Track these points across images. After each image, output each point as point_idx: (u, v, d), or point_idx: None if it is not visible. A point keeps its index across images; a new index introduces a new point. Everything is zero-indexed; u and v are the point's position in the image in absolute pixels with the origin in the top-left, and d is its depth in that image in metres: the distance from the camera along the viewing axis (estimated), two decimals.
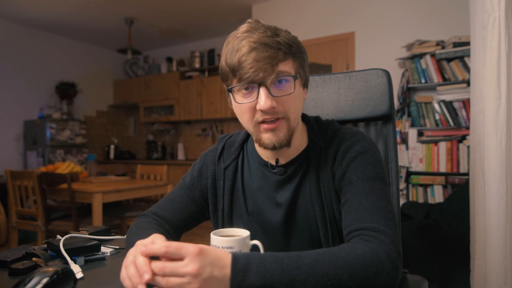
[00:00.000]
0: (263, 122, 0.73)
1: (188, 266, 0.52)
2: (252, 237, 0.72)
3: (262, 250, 0.68)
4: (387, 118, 1.06)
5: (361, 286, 0.57)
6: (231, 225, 0.88)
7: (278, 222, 0.82)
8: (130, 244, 0.69)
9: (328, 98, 1.12)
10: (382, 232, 0.65)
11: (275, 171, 0.82)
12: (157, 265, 0.53)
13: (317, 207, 0.78)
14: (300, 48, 0.77)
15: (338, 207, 0.77)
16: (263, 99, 0.70)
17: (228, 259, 0.55)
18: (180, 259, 0.53)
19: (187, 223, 0.89)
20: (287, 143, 0.75)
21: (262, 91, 0.71)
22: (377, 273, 0.58)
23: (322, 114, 1.12)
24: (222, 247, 0.65)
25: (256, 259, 0.56)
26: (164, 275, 0.52)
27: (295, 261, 0.57)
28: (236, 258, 0.55)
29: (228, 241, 0.65)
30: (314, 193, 0.79)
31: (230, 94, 0.76)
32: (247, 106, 0.74)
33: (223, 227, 0.88)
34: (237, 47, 0.71)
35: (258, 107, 0.71)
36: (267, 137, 0.74)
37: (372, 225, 0.66)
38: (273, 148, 0.75)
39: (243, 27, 0.74)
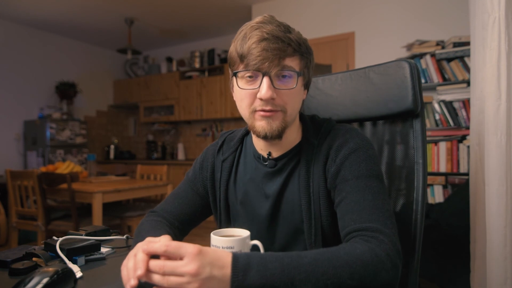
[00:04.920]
0: (260, 110, 0.75)
1: (187, 265, 0.52)
2: (242, 225, 0.72)
3: (262, 250, 0.68)
4: (412, 114, 0.95)
5: (361, 285, 0.58)
6: (227, 215, 0.91)
7: (264, 213, 0.84)
8: (140, 239, 0.70)
9: (351, 95, 1.05)
10: (380, 232, 0.65)
11: (266, 163, 0.85)
12: (157, 263, 0.54)
13: (304, 201, 0.79)
14: (309, 50, 0.79)
15: (325, 203, 0.78)
16: (264, 88, 0.72)
17: (228, 259, 0.55)
18: (180, 258, 0.54)
19: (194, 217, 0.93)
20: (279, 134, 0.76)
21: (265, 80, 0.72)
22: (376, 272, 0.59)
23: (346, 112, 1.06)
24: (222, 247, 0.65)
25: (256, 259, 0.56)
26: (164, 273, 0.53)
27: (295, 260, 0.57)
28: (236, 258, 0.55)
29: (228, 241, 0.66)
30: (302, 187, 0.80)
31: (234, 78, 0.78)
32: (248, 92, 0.75)
33: (221, 217, 0.92)
34: (249, 35, 0.73)
35: (258, 95, 0.73)
36: (260, 125, 0.76)
37: (370, 225, 0.66)
38: (265, 137, 0.76)
39: (258, 18, 0.76)
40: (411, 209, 0.92)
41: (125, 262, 0.60)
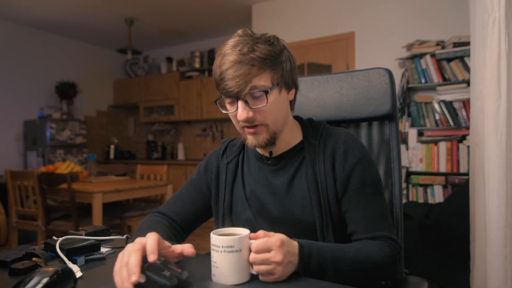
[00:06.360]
0: (244, 126, 0.84)
1: (276, 256, 0.65)
2: (252, 222, 0.80)
3: None
4: (389, 118, 1.06)
5: (375, 277, 0.78)
6: (230, 215, 0.95)
7: (273, 208, 0.90)
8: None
9: (330, 98, 1.12)
10: (392, 239, 0.82)
11: (269, 162, 0.91)
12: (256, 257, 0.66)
13: (314, 197, 0.86)
14: (279, 57, 0.83)
15: (334, 199, 0.86)
16: (239, 112, 0.81)
17: (296, 248, 0.69)
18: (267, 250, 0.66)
19: (197, 216, 0.98)
20: (269, 143, 0.85)
21: (240, 104, 0.80)
22: (392, 272, 0.80)
23: (324, 114, 1.12)
24: (222, 246, 0.66)
25: (316, 249, 0.72)
26: (255, 263, 0.66)
27: (342, 254, 0.74)
28: (302, 247, 0.70)
29: (228, 240, 0.66)
30: (310, 184, 0.86)
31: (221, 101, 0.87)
32: (231, 114, 0.85)
33: (223, 217, 0.95)
34: (219, 63, 0.81)
35: (237, 117, 0.82)
36: (250, 139, 0.85)
37: (382, 233, 0.81)
38: (255, 147, 0.87)
39: (230, 42, 0.82)
40: (392, 203, 1.03)
41: (117, 268, 0.61)
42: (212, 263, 0.68)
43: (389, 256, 0.78)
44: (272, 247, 0.66)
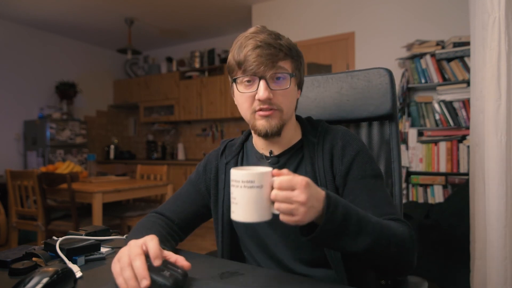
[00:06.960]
0: (259, 110, 0.83)
1: (299, 196, 0.61)
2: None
3: None
4: (389, 118, 1.06)
5: (397, 256, 0.72)
6: (229, 216, 0.91)
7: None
8: (133, 238, 0.72)
9: (330, 98, 1.12)
10: (403, 221, 0.78)
11: (269, 161, 0.91)
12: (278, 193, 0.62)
13: None
14: (299, 53, 0.88)
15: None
16: (262, 90, 0.80)
17: (322, 195, 0.65)
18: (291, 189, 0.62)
19: (196, 216, 0.98)
20: (278, 131, 0.85)
21: (262, 83, 0.81)
22: (410, 250, 0.74)
23: (324, 114, 1.12)
24: (242, 181, 0.62)
25: (342, 202, 0.68)
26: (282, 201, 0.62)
27: (366, 216, 0.70)
28: (329, 195, 0.66)
29: (249, 175, 0.62)
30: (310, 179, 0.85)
31: (234, 84, 0.87)
32: (247, 95, 0.84)
33: (223, 217, 0.94)
34: (245, 44, 0.81)
35: (257, 96, 0.81)
36: (261, 123, 0.84)
37: (395, 216, 0.78)
38: (266, 134, 0.84)
39: (251, 29, 0.84)
40: None
41: (117, 270, 0.61)
42: (232, 200, 0.64)
43: (408, 234, 0.74)
44: (296, 186, 0.61)
